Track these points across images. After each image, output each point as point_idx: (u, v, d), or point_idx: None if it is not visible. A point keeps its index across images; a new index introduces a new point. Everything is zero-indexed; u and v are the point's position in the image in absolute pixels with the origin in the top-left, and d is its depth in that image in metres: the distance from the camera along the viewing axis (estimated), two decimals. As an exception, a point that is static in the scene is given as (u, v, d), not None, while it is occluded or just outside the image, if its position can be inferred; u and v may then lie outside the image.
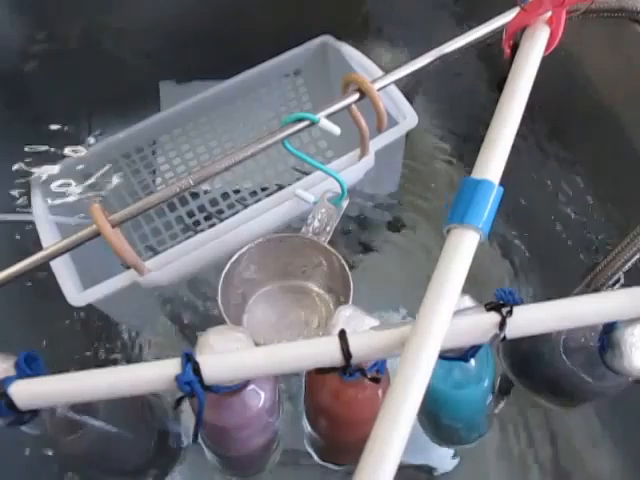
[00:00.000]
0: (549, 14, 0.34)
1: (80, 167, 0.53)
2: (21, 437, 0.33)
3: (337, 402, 0.35)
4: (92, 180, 0.54)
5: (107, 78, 0.60)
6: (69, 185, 0.49)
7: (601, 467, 0.47)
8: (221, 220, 0.46)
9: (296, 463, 0.46)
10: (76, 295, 0.42)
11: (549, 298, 0.28)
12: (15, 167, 0.58)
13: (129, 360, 0.52)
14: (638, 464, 0.45)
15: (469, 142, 0.61)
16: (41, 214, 0.47)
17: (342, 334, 0.28)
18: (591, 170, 0.52)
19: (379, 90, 0.41)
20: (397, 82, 0.42)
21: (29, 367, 0.29)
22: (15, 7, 0.55)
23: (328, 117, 0.40)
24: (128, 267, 0.41)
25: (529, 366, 0.44)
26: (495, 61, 0.56)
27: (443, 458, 0.47)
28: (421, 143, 0.63)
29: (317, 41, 0.56)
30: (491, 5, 0.41)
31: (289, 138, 0.40)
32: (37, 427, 0.31)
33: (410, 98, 0.49)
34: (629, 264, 0.37)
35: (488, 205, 0.29)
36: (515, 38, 0.35)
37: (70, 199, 0.49)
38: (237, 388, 0.33)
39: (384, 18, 0.65)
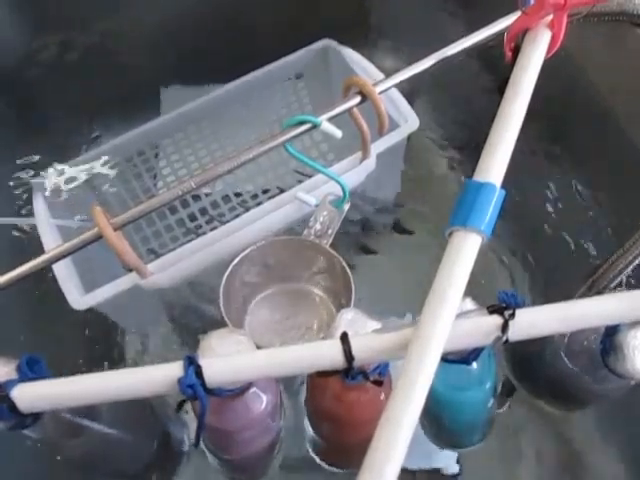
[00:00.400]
0: (550, 17, 0.34)
1: (82, 170, 0.53)
2: (23, 440, 0.33)
3: (339, 405, 0.35)
4: (94, 183, 0.54)
5: (109, 81, 0.61)
6: (71, 188, 0.49)
7: (604, 470, 0.47)
8: (223, 223, 0.46)
9: (298, 467, 0.46)
10: (78, 298, 0.42)
11: (551, 301, 0.28)
12: (17, 170, 0.58)
13: (131, 363, 0.52)
14: (640, 467, 0.45)
15: (470, 145, 0.61)
16: (43, 217, 0.47)
17: (344, 337, 0.28)
18: (592, 173, 0.52)
19: (380, 93, 0.41)
20: (398, 85, 0.42)
21: (31, 370, 0.29)
22: (16, 11, 0.55)
23: (330, 120, 0.40)
24: (130, 270, 0.41)
25: (531, 369, 0.44)
26: (496, 64, 0.56)
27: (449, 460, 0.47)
28: (422, 146, 0.63)
29: (318, 44, 0.56)
30: (493, 9, 0.41)
31: (291, 141, 0.40)
32: (39, 430, 0.31)
33: (411, 101, 0.49)
34: (631, 266, 0.37)
35: (490, 208, 0.29)
36: (516, 41, 0.35)
37: (72, 202, 0.49)
38: (239, 391, 0.33)
39: (385, 21, 0.65)
